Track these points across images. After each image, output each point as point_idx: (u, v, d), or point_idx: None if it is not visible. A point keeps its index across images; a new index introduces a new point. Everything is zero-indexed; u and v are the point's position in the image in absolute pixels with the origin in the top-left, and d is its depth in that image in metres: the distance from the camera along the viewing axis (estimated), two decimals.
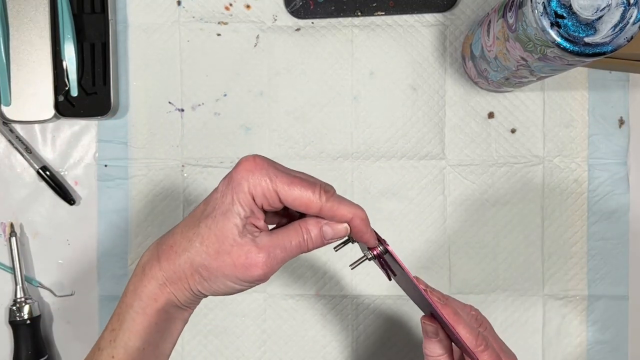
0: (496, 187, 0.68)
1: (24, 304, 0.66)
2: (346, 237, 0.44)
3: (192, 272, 0.42)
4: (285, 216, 0.46)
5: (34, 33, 0.66)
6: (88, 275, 0.69)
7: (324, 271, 0.69)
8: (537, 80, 0.59)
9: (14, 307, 0.66)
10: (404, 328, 0.69)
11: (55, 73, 0.66)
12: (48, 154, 0.69)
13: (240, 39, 0.68)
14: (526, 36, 0.49)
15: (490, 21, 0.56)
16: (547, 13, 0.46)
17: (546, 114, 0.68)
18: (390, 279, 0.49)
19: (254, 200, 0.41)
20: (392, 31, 0.68)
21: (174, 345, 0.47)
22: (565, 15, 0.46)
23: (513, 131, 0.68)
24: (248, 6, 0.68)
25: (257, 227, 0.42)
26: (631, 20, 0.46)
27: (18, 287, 0.67)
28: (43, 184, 0.68)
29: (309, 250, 0.44)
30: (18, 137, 0.68)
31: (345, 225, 0.43)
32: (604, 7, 0.45)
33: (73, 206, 0.68)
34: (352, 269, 0.46)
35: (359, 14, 0.67)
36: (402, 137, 0.68)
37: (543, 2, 0.46)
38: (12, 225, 0.68)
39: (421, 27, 0.68)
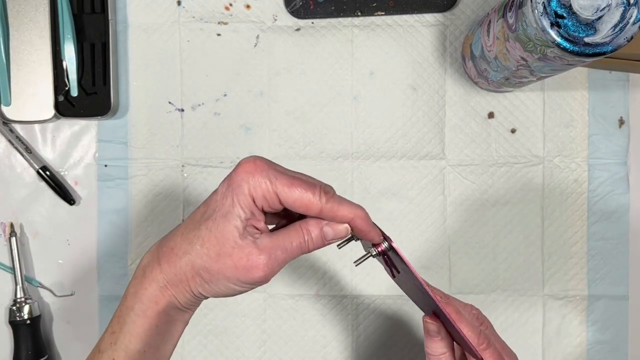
0: (496, 187, 0.68)
1: (24, 304, 0.66)
2: (349, 236, 0.44)
3: (193, 274, 0.42)
4: (284, 217, 0.46)
5: (34, 33, 0.66)
6: (88, 275, 0.69)
7: (324, 271, 0.69)
8: (537, 80, 0.59)
9: (14, 307, 0.66)
10: (404, 328, 0.69)
11: (55, 73, 0.66)
12: (48, 154, 0.69)
13: (240, 39, 0.68)
14: (526, 36, 0.49)
15: (490, 21, 0.56)
16: (547, 13, 0.46)
17: (546, 114, 0.68)
18: (394, 277, 0.49)
19: (254, 202, 0.41)
20: (392, 31, 0.68)
21: (175, 347, 0.47)
22: (565, 15, 0.46)
23: (513, 131, 0.68)
24: (248, 6, 0.68)
25: (257, 229, 0.42)
26: (631, 20, 0.46)
27: (18, 287, 0.67)
28: (43, 184, 0.68)
29: (309, 251, 0.44)
30: (18, 137, 0.68)
31: (346, 225, 0.43)
32: (604, 7, 0.45)
33: (73, 206, 0.68)
34: (356, 265, 0.46)
35: (359, 14, 0.67)
36: (402, 137, 0.68)
37: (543, 2, 0.46)
38: (12, 225, 0.68)
39: (421, 27, 0.68)
